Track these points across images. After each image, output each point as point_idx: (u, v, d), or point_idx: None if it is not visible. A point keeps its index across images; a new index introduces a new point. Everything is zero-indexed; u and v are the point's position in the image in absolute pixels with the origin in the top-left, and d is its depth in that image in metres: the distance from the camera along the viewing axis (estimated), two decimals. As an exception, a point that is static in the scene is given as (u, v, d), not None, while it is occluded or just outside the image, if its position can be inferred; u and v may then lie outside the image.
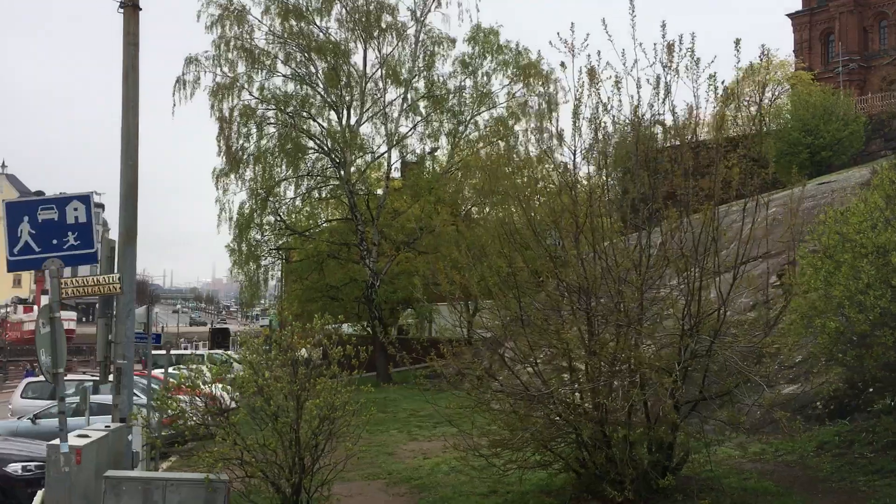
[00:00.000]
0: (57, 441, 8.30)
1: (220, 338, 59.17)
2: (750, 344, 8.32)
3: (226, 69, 30.14)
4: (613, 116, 9.87)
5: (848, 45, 54.58)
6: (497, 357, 10.34)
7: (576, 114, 9.98)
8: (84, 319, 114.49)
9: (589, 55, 9.41)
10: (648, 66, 8.99)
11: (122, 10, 10.84)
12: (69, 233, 8.26)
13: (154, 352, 14.47)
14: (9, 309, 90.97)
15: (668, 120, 9.23)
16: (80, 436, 8.60)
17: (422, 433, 16.98)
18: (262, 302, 51.58)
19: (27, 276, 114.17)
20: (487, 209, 31.02)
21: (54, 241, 8.25)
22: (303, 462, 8.90)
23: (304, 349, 9.61)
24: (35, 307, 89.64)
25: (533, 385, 9.78)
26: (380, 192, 32.70)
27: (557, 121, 8.96)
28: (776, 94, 39.24)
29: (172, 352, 19.67)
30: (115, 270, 9.97)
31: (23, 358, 54.57)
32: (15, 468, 10.62)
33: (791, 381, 12.28)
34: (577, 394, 9.64)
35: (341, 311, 26.89)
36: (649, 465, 9.03)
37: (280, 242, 33.40)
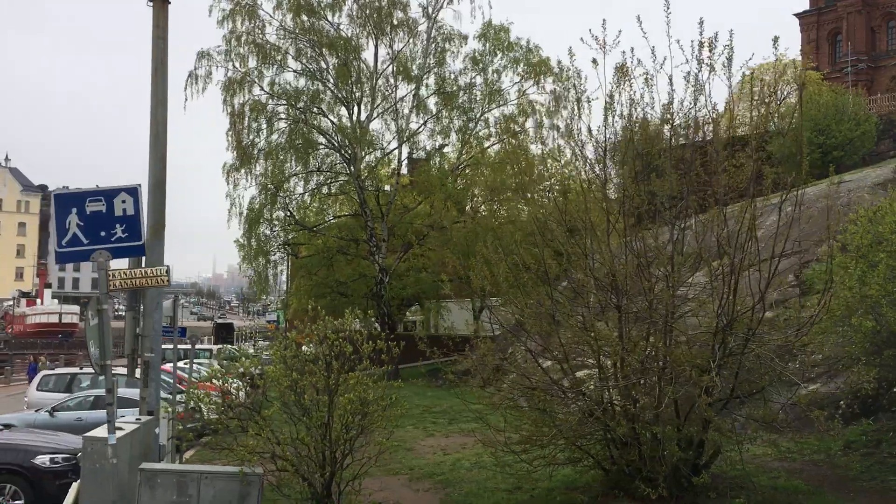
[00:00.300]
0: (92, 433, 8.31)
1: (224, 333, 59.18)
2: (786, 342, 8.31)
3: (237, 64, 30.19)
4: (645, 113, 9.90)
5: (856, 45, 54.56)
6: (526, 353, 10.36)
7: (607, 110, 9.99)
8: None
9: (624, 51, 9.39)
10: (684, 62, 8.97)
11: (150, 4, 10.81)
12: (117, 225, 8.25)
13: (167, 346, 14.38)
14: (11, 303, 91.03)
15: (702, 115, 9.22)
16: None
17: (438, 429, 17.00)
18: (265, 297, 51.71)
19: (30, 270, 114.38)
20: (496, 206, 31.06)
21: (102, 233, 8.24)
22: (335, 456, 8.90)
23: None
24: (38, 300, 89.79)
25: (558, 380, 9.79)
26: (388, 188, 32.68)
27: (589, 116, 8.94)
28: (786, 93, 39.18)
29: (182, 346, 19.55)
30: (143, 264, 9.97)
31: (27, 351, 54.54)
32: (43, 460, 10.60)
33: (811, 380, 12.28)
34: (605, 391, 9.64)
35: (350, 306, 26.98)
36: (680, 462, 9.03)
37: (289, 238, 33.40)
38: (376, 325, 31.39)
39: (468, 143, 32.35)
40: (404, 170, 33.92)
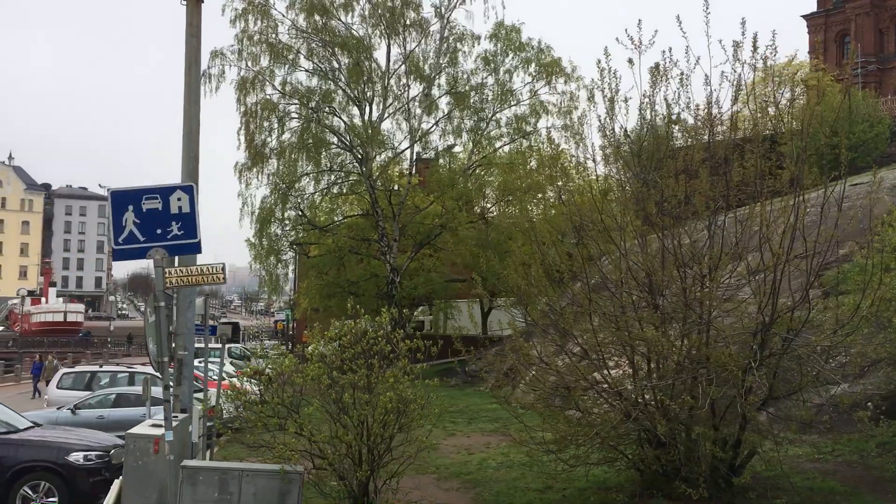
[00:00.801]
0: (136, 430, 8.33)
1: (229, 332, 59.15)
2: (829, 342, 8.30)
3: (249, 63, 30.18)
4: (680, 113, 9.92)
5: (864, 46, 54.56)
6: (556, 351, 10.35)
7: (642, 110, 10.01)
8: (90, 311, 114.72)
9: (663, 51, 9.39)
10: (722, 63, 8.99)
11: (184, 3, 10.82)
12: (173, 222, 8.24)
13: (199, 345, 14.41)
14: (17, 301, 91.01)
15: (742, 114, 9.24)
16: (153, 426, 8.62)
17: (458, 429, 16.99)
18: (275, 297, 51.67)
19: (34, 269, 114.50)
20: (508, 206, 31.03)
21: (158, 231, 8.24)
22: (373, 455, 8.91)
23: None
24: (42, 299, 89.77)
25: (585, 375, 9.77)
26: (396, 187, 32.65)
27: (626, 116, 8.93)
28: (797, 95, 39.16)
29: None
30: (177, 262, 9.97)
31: (35, 350, 54.53)
32: (77, 457, 10.61)
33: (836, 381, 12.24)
34: (642, 391, 9.63)
35: (361, 306, 26.96)
36: (717, 462, 9.02)
37: (299, 237, 33.39)
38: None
39: (479, 144, 32.36)
40: (415, 170, 33.94)
